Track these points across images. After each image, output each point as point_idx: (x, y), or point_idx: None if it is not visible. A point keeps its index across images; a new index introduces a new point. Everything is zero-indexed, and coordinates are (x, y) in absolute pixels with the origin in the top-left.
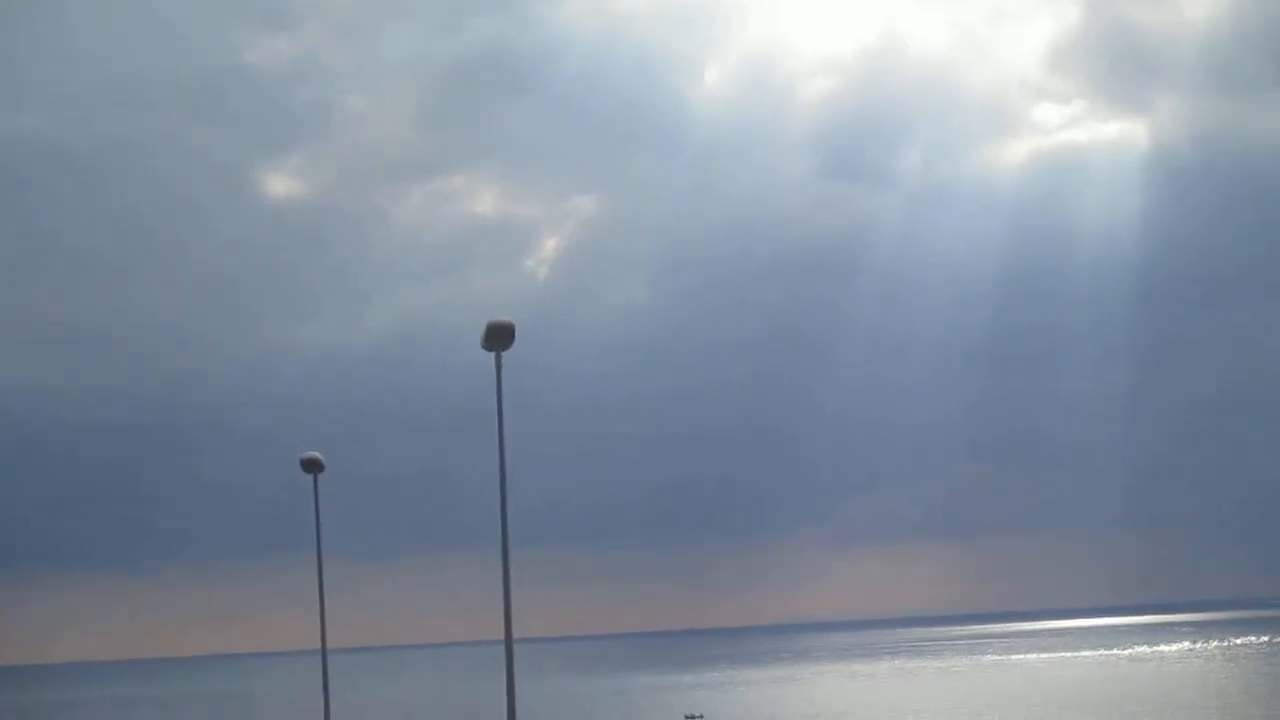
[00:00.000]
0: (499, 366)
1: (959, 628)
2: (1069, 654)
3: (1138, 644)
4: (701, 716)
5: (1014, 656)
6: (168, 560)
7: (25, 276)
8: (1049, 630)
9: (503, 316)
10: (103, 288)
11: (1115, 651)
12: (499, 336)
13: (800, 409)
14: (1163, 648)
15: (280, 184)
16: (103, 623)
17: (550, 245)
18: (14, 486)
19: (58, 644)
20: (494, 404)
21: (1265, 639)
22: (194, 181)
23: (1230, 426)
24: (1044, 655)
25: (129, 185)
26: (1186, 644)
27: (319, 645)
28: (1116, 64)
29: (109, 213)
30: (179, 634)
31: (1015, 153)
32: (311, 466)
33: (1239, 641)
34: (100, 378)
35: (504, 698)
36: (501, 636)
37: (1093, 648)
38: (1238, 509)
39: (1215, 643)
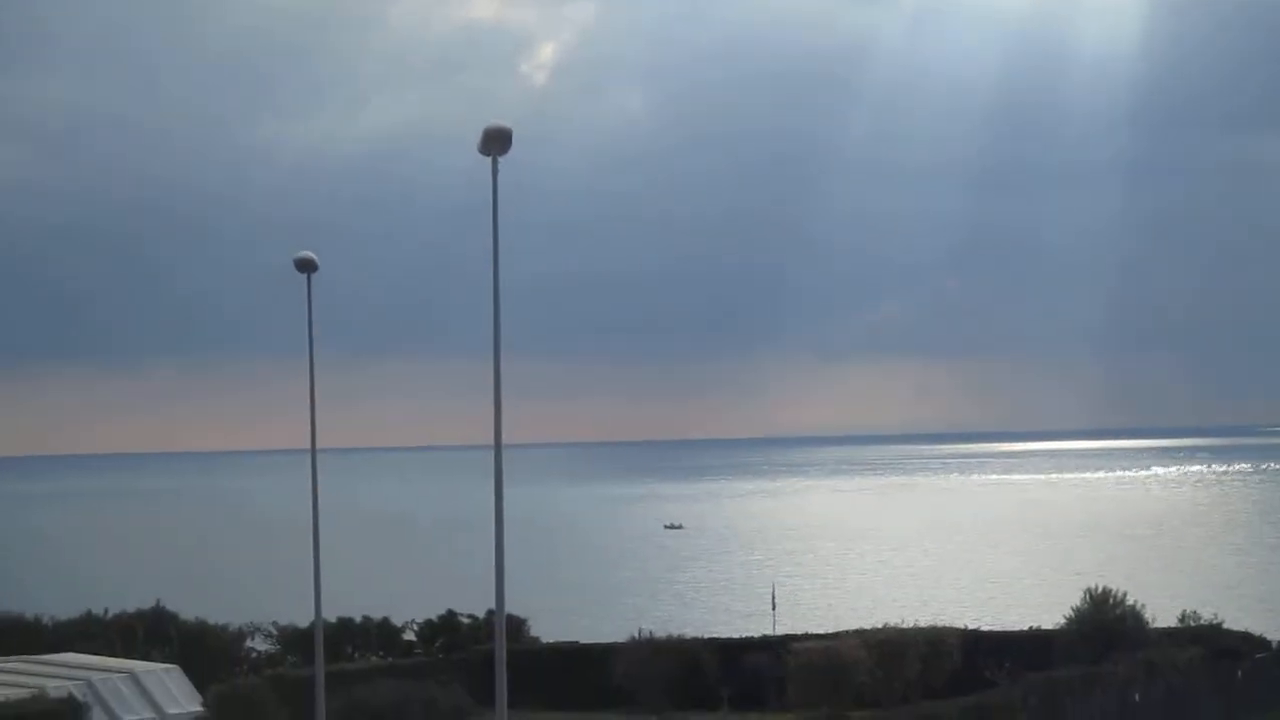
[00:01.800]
0: (495, 172)
1: (947, 445)
2: (1065, 475)
3: (1128, 468)
4: (681, 526)
5: (1011, 476)
6: (161, 356)
7: (28, 63)
8: (1039, 451)
9: (500, 121)
10: (114, 77)
11: (1107, 474)
12: (496, 141)
13: (791, 215)
14: (1153, 471)
15: None
16: (93, 416)
17: (547, 50)
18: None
19: (53, 436)
20: (490, 207)
21: (1255, 465)
22: None
23: (1229, 259)
24: (1037, 476)
25: None
26: (1173, 469)
27: (308, 445)
28: None
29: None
30: (170, 430)
31: None
32: (305, 266)
33: (1237, 468)
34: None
35: (492, 501)
36: (488, 442)
37: (1082, 470)
38: (1218, 332)
39: (1200, 467)
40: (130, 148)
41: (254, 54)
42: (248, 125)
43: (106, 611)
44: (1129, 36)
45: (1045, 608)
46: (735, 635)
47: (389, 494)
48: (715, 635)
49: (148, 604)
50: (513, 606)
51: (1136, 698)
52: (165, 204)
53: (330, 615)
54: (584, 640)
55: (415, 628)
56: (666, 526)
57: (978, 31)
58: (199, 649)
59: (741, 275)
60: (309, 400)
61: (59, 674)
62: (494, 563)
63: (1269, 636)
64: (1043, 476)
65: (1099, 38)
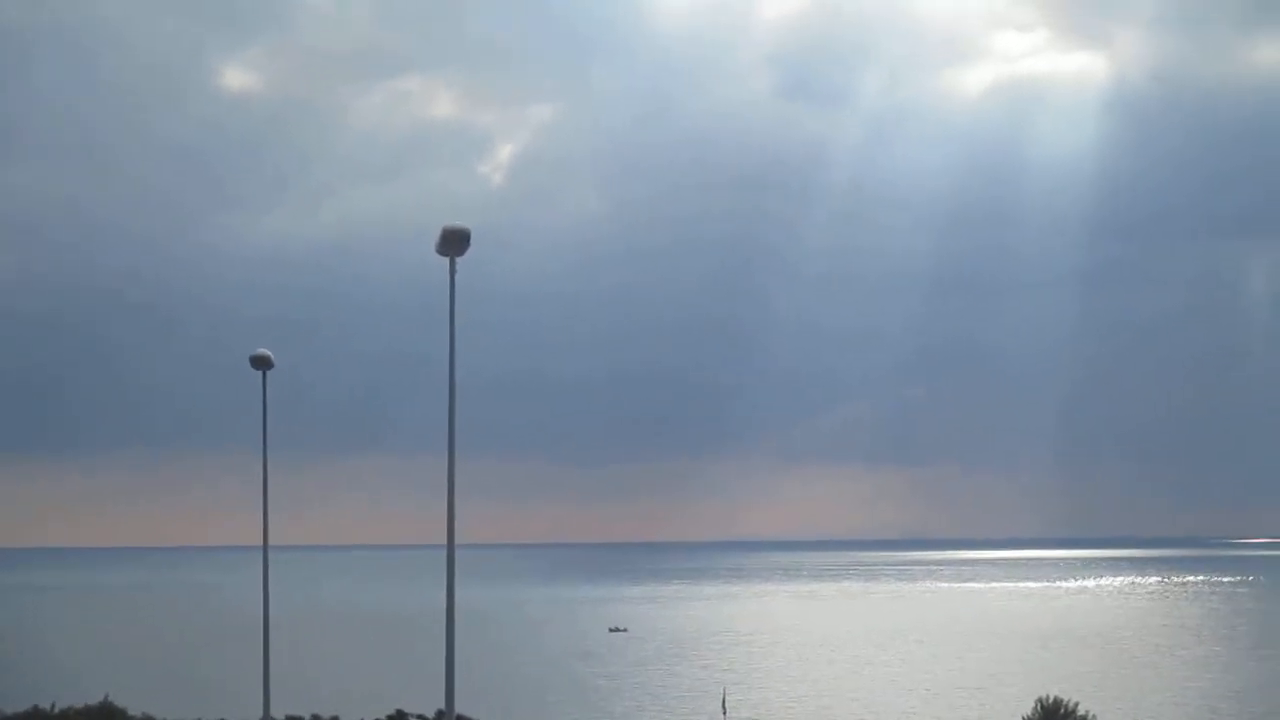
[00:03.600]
0: (453, 271)
1: (904, 552)
2: (1020, 584)
3: (1081, 578)
4: (625, 630)
5: (965, 584)
6: (117, 449)
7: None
8: (994, 560)
9: (458, 223)
10: (70, 165)
11: (1061, 584)
12: (454, 242)
13: (749, 322)
14: (1106, 581)
15: (244, 75)
16: (46, 509)
17: (506, 151)
18: None
19: (2, 528)
20: (447, 305)
21: (1219, 578)
22: (163, 66)
23: (1172, 356)
24: (993, 585)
25: (104, 64)
26: (1127, 579)
27: (260, 541)
28: None
29: (81, 91)
30: (125, 524)
31: (976, 79)
32: (261, 364)
33: (1194, 579)
34: (59, 255)
35: (444, 601)
36: (444, 542)
37: (1043, 579)
38: (1180, 443)
39: (1156, 579)
40: (88, 238)
41: (212, 147)
42: (206, 218)
43: (54, 706)
44: (1088, 146)
45: (997, 716)
46: None
47: (342, 591)
48: None
49: (96, 698)
50: (463, 706)
51: None
52: (124, 295)
53: (279, 712)
54: None
55: None
56: (611, 630)
57: (937, 138)
58: None
59: (699, 380)
60: (262, 496)
61: None
62: (444, 660)
63: None
64: (998, 585)
65: (1058, 147)
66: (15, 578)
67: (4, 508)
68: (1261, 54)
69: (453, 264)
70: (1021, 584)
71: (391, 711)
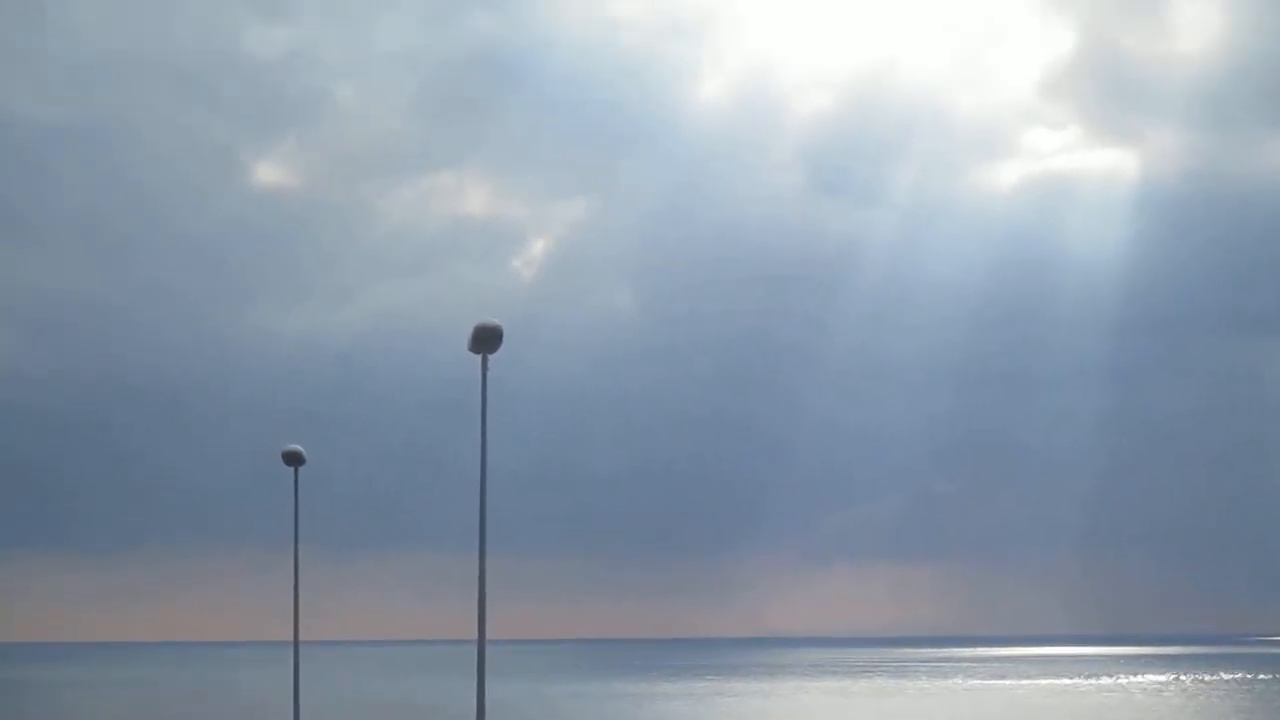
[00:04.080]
0: (484, 369)
1: (933, 649)
2: (1050, 681)
3: (1112, 675)
4: None
5: (996, 681)
6: (140, 545)
7: (14, 248)
8: (1023, 656)
9: (490, 319)
10: (94, 262)
11: (1093, 681)
12: (486, 339)
13: (779, 416)
14: (1137, 678)
15: (271, 170)
16: (71, 604)
17: (537, 246)
18: None
19: (28, 623)
20: (476, 401)
21: (1249, 676)
22: (187, 162)
23: (1201, 451)
24: (1024, 681)
25: (124, 160)
26: (1158, 676)
27: (291, 637)
28: (1110, 93)
29: (101, 186)
30: (149, 619)
31: (1006, 176)
32: (293, 460)
33: (1224, 677)
34: (83, 353)
35: (474, 698)
36: (473, 636)
37: (1073, 676)
38: (1207, 539)
39: (1193, 678)
40: (109, 334)
41: (237, 243)
42: (231, 314)
43: None
44: (1118, 242)
45: None
46: None
47: (372, 687)
48: None
49: None
50: None
51: None
52: (148, 391)
53: None
54: None
55: None
56: None
57: (968, 234)
58: None
59: (727, 476)
60: (293, 592)
61: None
62: None
63: None
64: (1029, 681)
65: (1087, 243)
66: (36, 672)
67: (22, 603)
68: None
69: (484, 361)
70: (1053, 681)
71: None
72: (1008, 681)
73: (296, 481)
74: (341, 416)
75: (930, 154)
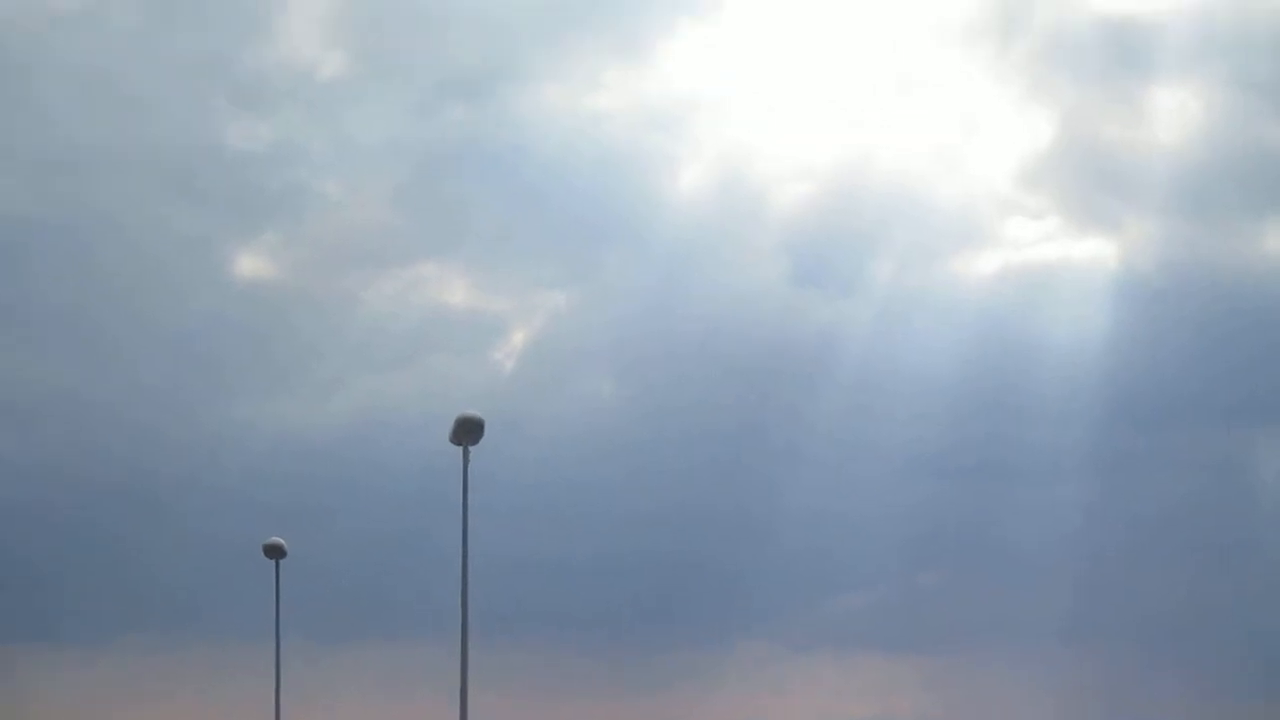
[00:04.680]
0: (466, 461)
1: None
2: None
3: None
4: None
5: None
6: (120, 638)
7: None
8: None
9: (471, 411)
10: (76, 355)
11: None
12: (468, 431)
13: (760, 509)
14: None
15: (253, 263)
16: (49, 697)
17: (518, 338)
18: None
19: (7, 715)
20: (458, 491)
21: None
22: (168, 255)
23: (1186, 545)
24: None
25: (105, 254)
26: None
27: None
28: (1089, 182)
29: (83, 280)
30: (130, 713)
31: (986, 265)
32: (274, 553)
33: None
34: (59, 447)
35: None
36: None
37: None
38: (1196, 634)
39: None
40: (87, 428)
41: (219, 336)
42: (213, 407)
43: None
44: (1099, 332)
45: None
46: None
47: None
48: None
49: None
50: None
51: None
52: (129, 484)
53: None
54: None
55: None
56: None
57: (948, 324)
58: None
59: (709, 568)
60: (274, 686)
61: None
62: None
63: None
64: None
65: (1069, 333)
66: None
67: (2, 696)
68: (1272, 241)
69: (466, 453)
70: None
71: None
72: None
73: (278, 574)
74: (323, 509)
75: (910, 244)
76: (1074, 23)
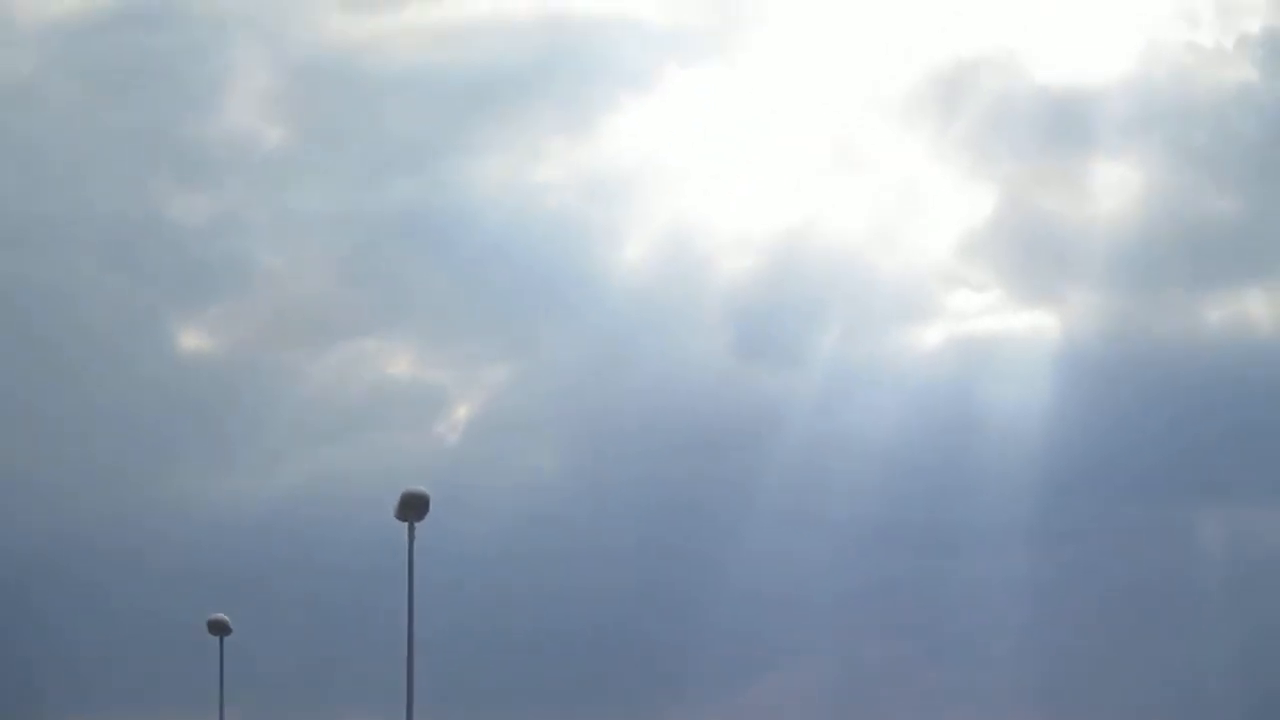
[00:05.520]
0: (411, 536)
1: None
2: None
3: None
4: None
5: None
6: (60, 718)
7: None
8: None
9: (417, 487)
10: (13, 428)
11: None
12: (414, 507)
13: (703, 584)
14: None
15: (195, 336)
16: None
17: (462, 411)
18: None
19: None
20: (402, 565)
21: None
22: (109, 328)
23: (1135, 622)
24: None
25: (45, 326)
26: None
27: None
28: (1030, 255)
29: (22, 353)
30: None
31: (930, 338)
32: (218, 629)
33: None
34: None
35: None
36: None
37: None
38: (1144, 713)
39: None
40: (29, 502)
41: (160, 410)
42: (153, 481)
43: None
44: (1041, 402)
45: None
46: None
47: None
48: None
49: None
50: None
51: None
52: (67, 560)
53: None
54: None
55: None
56: None
57: (892, 395)
58: None
59: (650, 641)
60: None
61: None
62: None
63: None
64: None
65: (1011, 403)
66: None
67: None
68: (1212, 314)
69: (412, 529)
70: None
71: None
72: None
73: (222, 651)
74: (267, 584)
75: (854, 315)
76: (1014, 95)
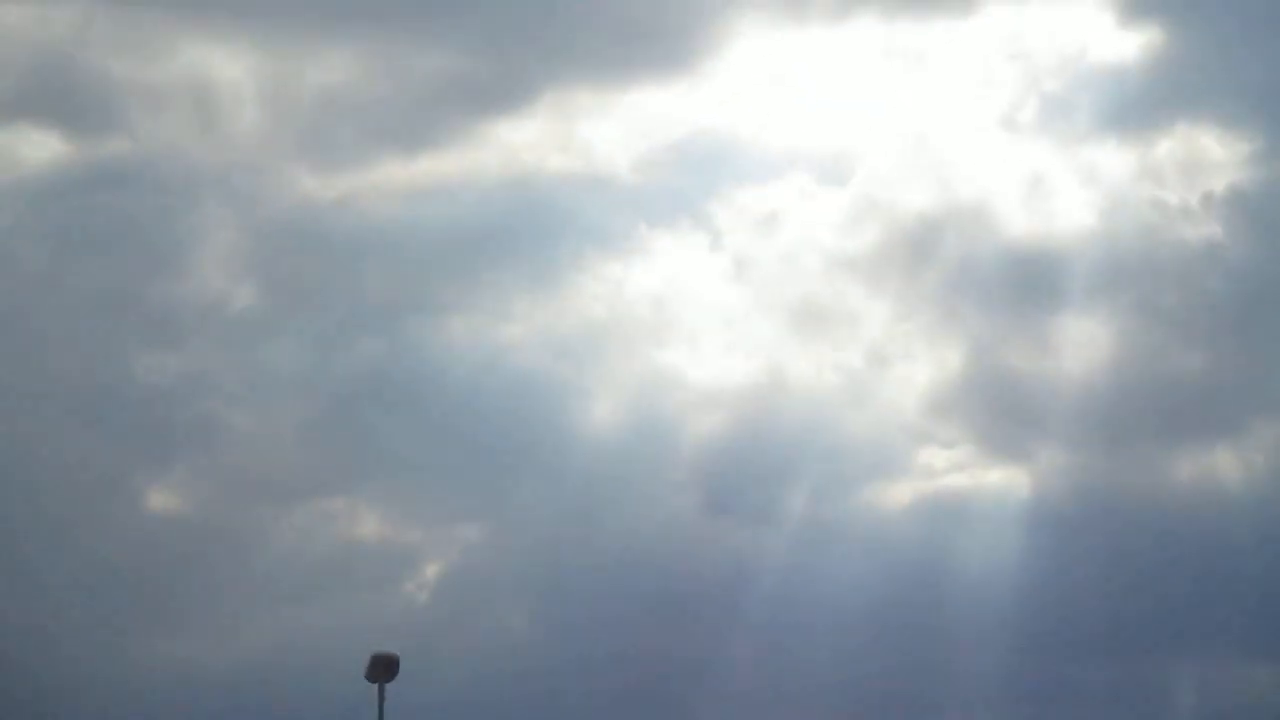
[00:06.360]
0: (382, 698)
1: None
2: None
3: None
4: None
5: None
6: None
7: None
8: None
9: (386, 649)
10: None
11: None
12: (383, 668)
13: None
14: None
15: (163, 497)
16: None
17: (431, 570)
18: None
19: None
20: None
21: None
22: (76, 489)
23: None
24: None
25: (6, 488)
26: None
27: None
28: (999, 412)
29: None
30: None
31: (899, 495)
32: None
33: None
34: None
35: None
36: None
37: None
38: None
39: None
40: None
41: (126, 570)
42: (114, 644)
43: None
44: (1011, 559)
45: None
46: None
47: None
48: None
49: None
50: None
51: None
52: None
53: None
54: None
55: None
56: None
57: (862, 552)
58: None
59: None
60: None
61: None
62: None
63: None
64: None
65: (981, 560)
66: None
67: None
68: (1181, 470)
69: (382, 690)
70: None
71: None
72: None
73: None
74: None
75: (823, 473)
76: (982, 252)
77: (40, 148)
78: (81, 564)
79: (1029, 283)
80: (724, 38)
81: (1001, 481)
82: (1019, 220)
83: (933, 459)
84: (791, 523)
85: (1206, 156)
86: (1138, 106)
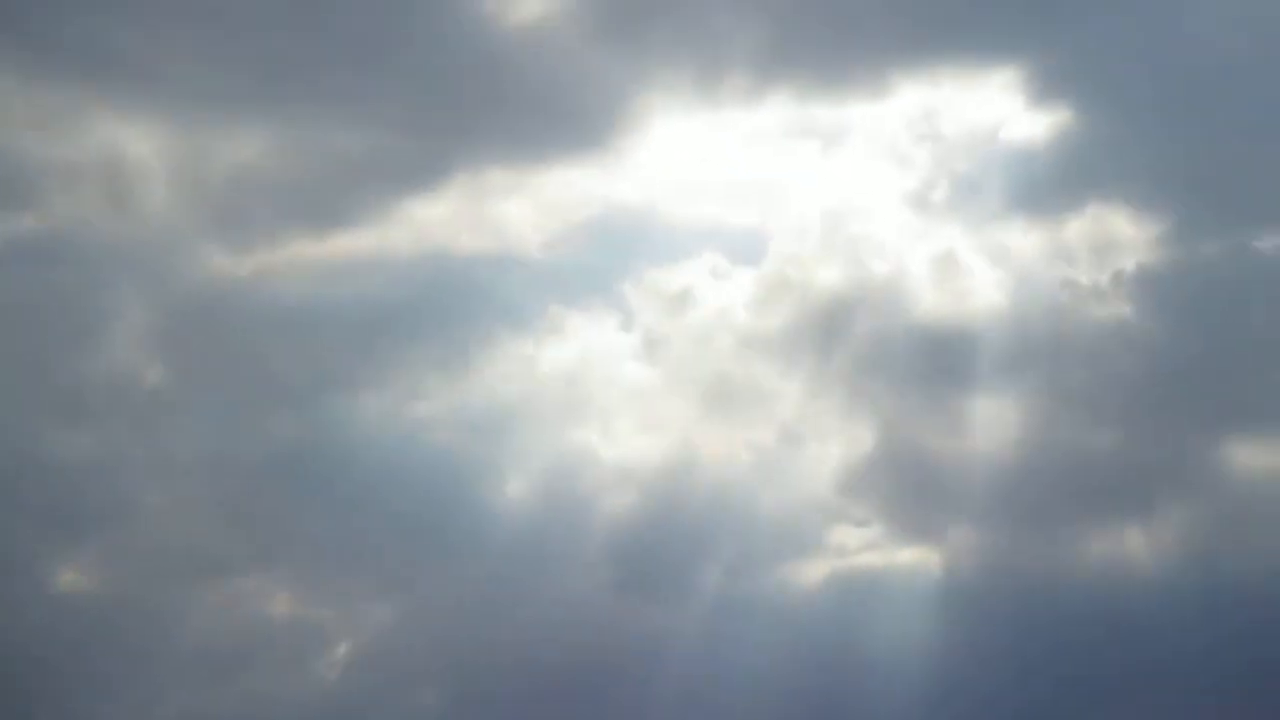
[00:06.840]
0: None
1: None
2: None
3: None
4: None
5: None
6: None
7: None
8: None
9: None
10: None
11: None
12: None
13: None
14: None
15: (74, 576)
16: None
17: (342, 649)
18: None
19: None
20: None
21: None
22: None
23: None
24: None
25: None
26: None
27: None
28: (910, 491)
29: None
30: None
31: (812, 573)
32: None
33: None
34: None
35: None
36: None
37: None
38: None
39: None
40: None
41: (35, 650)
42: None
43: None
44: (921, 635)
45: None
46: None
47: None
48: None
49: None
50: None
51: None
52: None
53: None
54: None
55: None
56: None
57: (776, 629)
58: None
59: None
60: None
61: None
62: None
63: None
64: None
65: (892, 636)
66: None
67: None
68: (1092, 549)
69: None
70: None
71: None
72: None
73: None
74: None
75: (736, 551)
76: (894, 331)
77: None
78: None
79: (940, 362)
80: (637, 117)
81: (913, 560)
82: (930, 299)
83: (845, 538)
84: (704, 601)
85: (1117, 236)
86: (1048, 186)
